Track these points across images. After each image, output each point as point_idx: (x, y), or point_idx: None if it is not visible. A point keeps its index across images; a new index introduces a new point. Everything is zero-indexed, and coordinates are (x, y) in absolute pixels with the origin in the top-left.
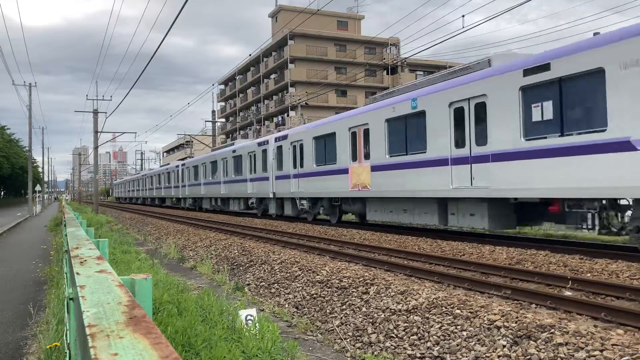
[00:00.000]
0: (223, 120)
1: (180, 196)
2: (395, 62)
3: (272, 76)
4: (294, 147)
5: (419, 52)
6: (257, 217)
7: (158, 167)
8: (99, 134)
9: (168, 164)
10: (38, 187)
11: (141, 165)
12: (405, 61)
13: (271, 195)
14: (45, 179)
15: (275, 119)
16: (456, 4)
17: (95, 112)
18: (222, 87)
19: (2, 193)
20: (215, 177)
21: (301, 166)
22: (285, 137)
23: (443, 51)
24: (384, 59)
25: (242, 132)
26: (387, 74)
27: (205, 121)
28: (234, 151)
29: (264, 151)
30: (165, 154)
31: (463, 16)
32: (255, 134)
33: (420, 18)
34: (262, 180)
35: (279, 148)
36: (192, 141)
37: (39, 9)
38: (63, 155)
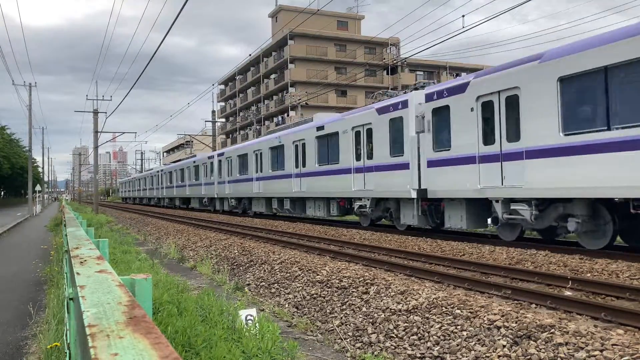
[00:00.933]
0: (223, 120)
1: (216, 195)
2: (395, 62)
3: (272, 76)
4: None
5: (419, 52)
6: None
7: (158, 165)
8: (99, 134)
9: (194, 155)
10: (38, 187)
11: (141, 165)
12: (405, 61)
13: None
14: (45, 179)
15: (275, 119)
16: (456, 4)
17: (95, 112)
18: (222, 87)
19: (2, 193)
20: (280, 168)
21: None
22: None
23: (443, 51)
24: (384, 59)
25: (242, 132)
26: (387, 74)
27: (205, 121)
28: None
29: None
30: (165, 153)
31: (463, 16)
32: (255, 134)
33: (420, 18)
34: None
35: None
36: (192, 141)
37: (40, 9)
38: (63, 155)
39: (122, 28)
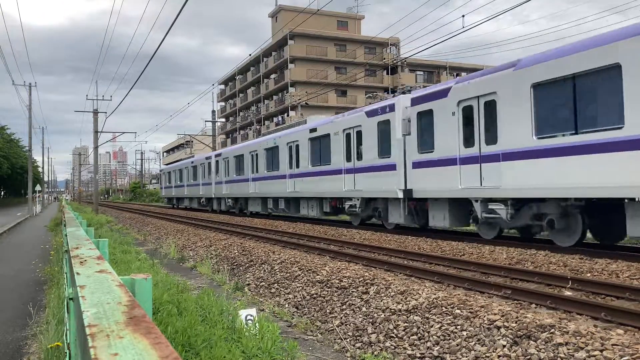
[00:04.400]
0: (223, 120)
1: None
2: (395, 62)
3: (272, 76)
4: None
5: (419, 52)
6: None
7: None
8: (99, 134)
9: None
10: (38, 187)
11: (141, 165)
12: (405, 61)
13: None
14: (45, 178)
15: (275, 119)
16: (456, 4)
17: (95, 112)
18: (222, 87)
19: (2, 193)
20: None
21: None
22: None
23: (443, 51)
24: (384, 59)
25: (242, 132)
26: (387, 74)
27: (205, 121)
28: None
29: None
30: (165, 153)
31: (463, 16)
32: (255, 134)
33: (420, 18)
34: None
35: None
36: (192, 141)
37: (44, 9)
38: (63, 155)
39: (124, 28)
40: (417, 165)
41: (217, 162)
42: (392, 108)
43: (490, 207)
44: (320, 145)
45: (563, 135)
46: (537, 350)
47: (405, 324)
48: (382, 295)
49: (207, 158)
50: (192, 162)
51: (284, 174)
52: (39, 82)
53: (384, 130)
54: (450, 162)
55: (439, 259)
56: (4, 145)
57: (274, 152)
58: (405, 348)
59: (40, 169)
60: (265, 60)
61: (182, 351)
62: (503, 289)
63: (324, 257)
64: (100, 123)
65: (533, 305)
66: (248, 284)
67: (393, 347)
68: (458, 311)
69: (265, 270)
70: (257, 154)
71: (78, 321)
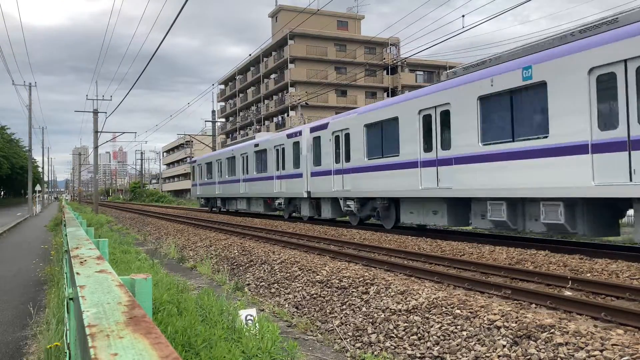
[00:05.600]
0: (223, 120)
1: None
2: (395, 62)
3: (272, 76)
4: None
5: (419, 52)
6: None
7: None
8: (99, 134)
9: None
10: (38, 187)
11: (141, 165)
12: (405, 61)
13: None
14: (45, 178)
15: (275, 119)
16: (457, 4)
17: (95, 112)
18: (222, 87)
19: (2, 193)
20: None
21: None
22: None
23: (443, 51)
24: (384, 59)
25: (242, 132)
26: (387, 74)
27: (205, 121)
28: None
29: None
30: (165, 153)
31: (463, 16)
32: (255, 134)
33: (420, 18)
34: None
35: None
36: (192, 141)
37: (43, 9)
38: (63, 155)
39: (125, 28)
40: None
41: (315, 139)
42: None
43: None
44: None
45: None
46: (537, 350)
47: (405, 324)
48: (382, 295)
49: (290, 136)
50: (256, 145)
51: (569, 143)
52: (39, 82)
53: None
54: None
55: (439, 259)
56: (4, 145)
57: (505, 101)
58: (405, 348)
59: (40, 169)
60: (265, 60)
61: (182, 351)
62: (503, 289)
63: (324, 257)
64: (100, 123)
65: (533, 305)
66: (248, 284)
67: (393, 347)
68: (458, 311)
69: (265, 270)
70: (440, 115)
71: (78, 321)
